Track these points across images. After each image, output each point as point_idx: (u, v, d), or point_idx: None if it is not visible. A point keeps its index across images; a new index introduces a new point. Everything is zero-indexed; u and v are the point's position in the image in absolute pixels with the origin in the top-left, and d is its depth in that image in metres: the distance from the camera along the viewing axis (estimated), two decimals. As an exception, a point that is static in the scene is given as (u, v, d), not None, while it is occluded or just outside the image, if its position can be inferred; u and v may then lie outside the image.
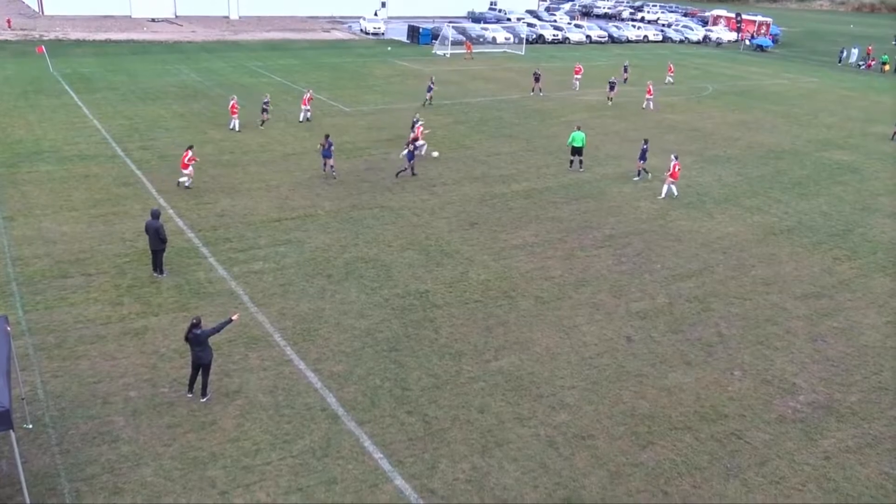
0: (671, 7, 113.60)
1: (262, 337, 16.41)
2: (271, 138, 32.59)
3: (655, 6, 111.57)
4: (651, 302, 19.04)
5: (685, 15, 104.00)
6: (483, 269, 20.41)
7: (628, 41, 79.87)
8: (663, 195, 27.11)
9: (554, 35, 75.54)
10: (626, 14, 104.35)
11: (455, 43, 64.91)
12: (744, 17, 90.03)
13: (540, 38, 74.16)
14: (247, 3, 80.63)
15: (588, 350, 16.59)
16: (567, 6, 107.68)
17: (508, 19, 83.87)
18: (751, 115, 43.08)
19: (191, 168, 25.21)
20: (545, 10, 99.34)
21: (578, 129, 30.52)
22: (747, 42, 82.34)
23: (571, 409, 14.44)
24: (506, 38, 70.37)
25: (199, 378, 14.06)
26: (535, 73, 46.80)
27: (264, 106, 34.19)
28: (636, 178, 29.15)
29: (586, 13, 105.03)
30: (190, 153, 25.14)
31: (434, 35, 67.32)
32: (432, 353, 16.14)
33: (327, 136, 27.52)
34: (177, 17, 77.65)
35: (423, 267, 20.30)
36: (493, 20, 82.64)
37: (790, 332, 17.93)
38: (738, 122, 40.90)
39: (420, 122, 30.88)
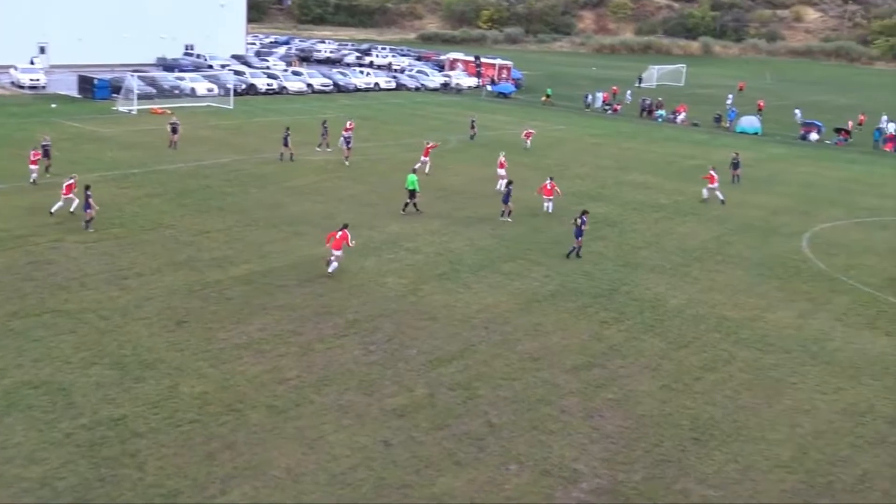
0: (402, 50, 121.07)
1: None
2: None
3: (385, 49, 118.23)
4: (409, 395, 19.57)
5: (419, 59, 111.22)
6: (198, 379, 19.73)
7: (357, 90, 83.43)
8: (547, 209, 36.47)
9: (268, 85, 76.77)
10: (351, 59, 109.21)
11: (144, 97, 63.45)
12: (483, 60, 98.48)
13: (251, 89, 75.00)
14: None
15: (339, 464, 16.58)
16: (282, 50, 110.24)
17: (210, 66, 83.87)
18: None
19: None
20: (255, 55, 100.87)
21: (413, 171, 36.68)
22: (489, 88, 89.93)
23: (324, 543, 14.24)
24: (208, 90, 70.27)
25: None
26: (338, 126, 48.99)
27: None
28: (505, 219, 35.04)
29: (305, 58, 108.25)
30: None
31: (115, 88, 65.31)
32: (136, 497, 15.14)
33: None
34: None
35: (118, 385, 19.17)
36: (190, 68, 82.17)
37: (565, 411, 19.35)
38: (487, 178, 44.14)
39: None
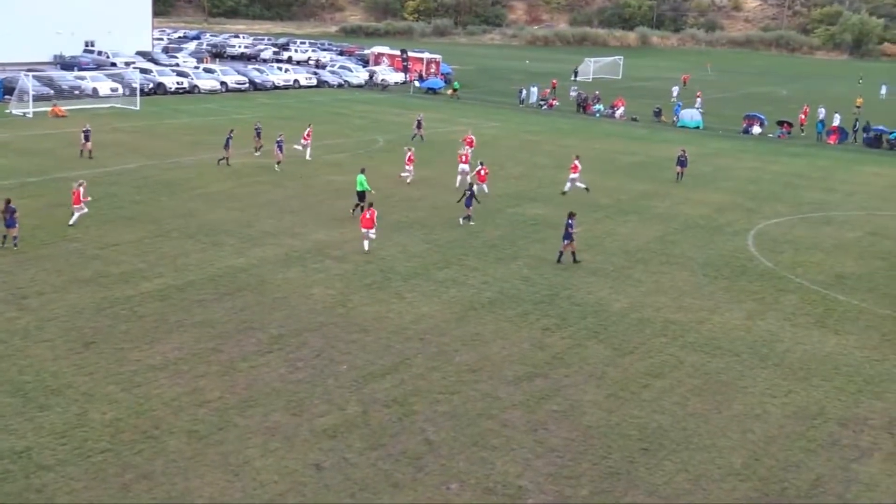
0: (323, 44, 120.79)
1: None
2: None
3: (304, 43, 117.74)
4: (340, 414, 19.49)
5: (341, 54, 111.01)
6: (109, 404, 19.35)
7: (275, 87, 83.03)
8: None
9: (178, 83, 75.99)
10: (268, 54, 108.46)
11: (40, 98, 62.04)
12: (410, 54, 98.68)
13: (159, 88, 74.06)
14: None
15: (266, 491, 16.42)
16: (192, 46, 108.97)
17: (113, 64, 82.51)
18: (432, 170, 46.92)
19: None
20: (163, 51, 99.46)
21: (362, 171, 36.54)
22: (417, 84, 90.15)
23: (253, 577, 14.10)
24: (112, 90, 69.15)
25: None
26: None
27: None
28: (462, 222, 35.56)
29: (218, 54, 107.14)
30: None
31: (7, 89, 63.83)
32: (44, 536, 14.79)
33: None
34: None
35: (20, 415, 18.69)
36: (91, 66, 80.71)
37: (507, 425, 19.48)
38: (417, 180, 44.24)
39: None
